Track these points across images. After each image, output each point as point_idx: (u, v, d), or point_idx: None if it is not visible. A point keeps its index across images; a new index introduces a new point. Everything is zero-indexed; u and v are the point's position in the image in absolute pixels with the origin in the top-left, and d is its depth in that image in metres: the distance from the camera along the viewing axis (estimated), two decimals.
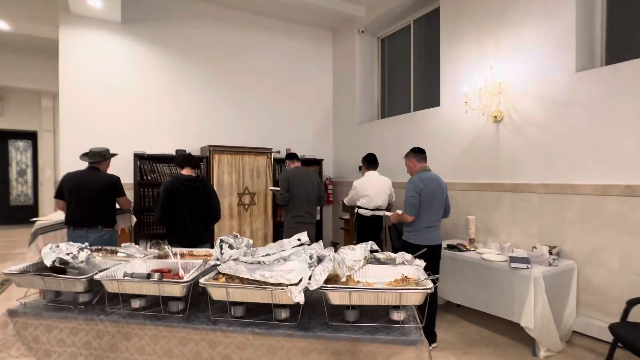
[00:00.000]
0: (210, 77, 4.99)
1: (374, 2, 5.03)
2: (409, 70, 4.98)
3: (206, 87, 4.96)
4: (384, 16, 5.00)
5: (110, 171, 3.18)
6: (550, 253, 2.77)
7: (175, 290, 1.58)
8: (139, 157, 4.25)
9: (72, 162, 3.83)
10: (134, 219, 3.64)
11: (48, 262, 1.81)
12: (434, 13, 4.47)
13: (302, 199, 3.79)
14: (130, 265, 1.86)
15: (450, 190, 3.79)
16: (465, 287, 3.06)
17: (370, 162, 3.99)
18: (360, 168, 5.19)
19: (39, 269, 1.88)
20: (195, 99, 4.89)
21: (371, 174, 3.96)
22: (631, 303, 2.18)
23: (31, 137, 7.08)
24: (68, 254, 1.85)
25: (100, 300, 1.76)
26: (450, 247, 3.29)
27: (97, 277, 1.64)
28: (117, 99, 4.40)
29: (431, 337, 2.82)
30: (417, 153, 2.86)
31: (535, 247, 2.88)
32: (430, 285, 1.48)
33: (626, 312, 2.17)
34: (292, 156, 4.11)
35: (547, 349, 2.58)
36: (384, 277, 1.72)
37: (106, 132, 4.29)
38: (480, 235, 3.57)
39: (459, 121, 3.78)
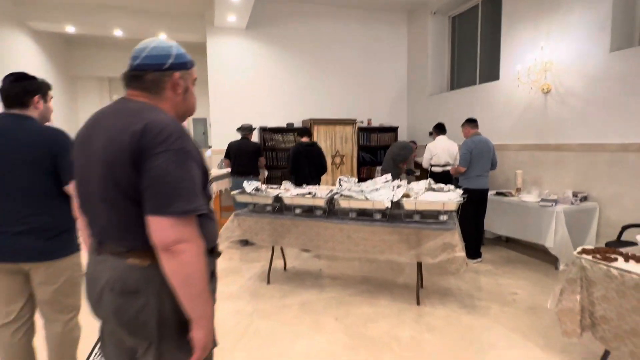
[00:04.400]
0: (308, 64, 6.33)
1: None
2: (476, 46, 5.68)
3: (306, 72, 6.33)
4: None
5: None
6: (576, 196, 3.64)
7: (321, 202, 3.02)
8: (263, 130, 5.89)
9: (221, 134, 5.60)
10: (266, 173, 5.30)
11: (249, 190, 3.40)
12: None
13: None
14: (290, 192, 3.36)
15: (506, 151, 4.71)
16: (508, 222, 4.08)
17: (439, 129, 5.02)
18: (430, 133, 6.18)
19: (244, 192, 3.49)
20: (298, 82, 6.31)
21: (440, 138, 5.00)
22: (624, 227, 3.06)
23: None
24: (257, 186, 3.42)
25: (278, 209, 3.30)
26: (499, 193, 4.28)
27: (281, 194, 3.15)
28: (245, 86, 6.02)
29: (477, 254, 3.96)
30: (470, 122, 3.89)
31: (565, 193, 3.75)
32: (459, 198, 2.67)
33: (620, 234, 3.06)
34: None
35: (565, 264, 3.56)
36: (437, 198, 2.92)
37: (240, 111, 5.96)
38: (528, 186, 4.44)
39: (514, 93, 4.56)
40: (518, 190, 4.32)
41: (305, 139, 4.39)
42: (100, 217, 0.99)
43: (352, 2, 6.25)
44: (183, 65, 1.07)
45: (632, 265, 1.80)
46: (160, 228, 0.88)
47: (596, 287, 1.89)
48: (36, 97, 1.73)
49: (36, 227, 1.66)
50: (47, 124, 1.79)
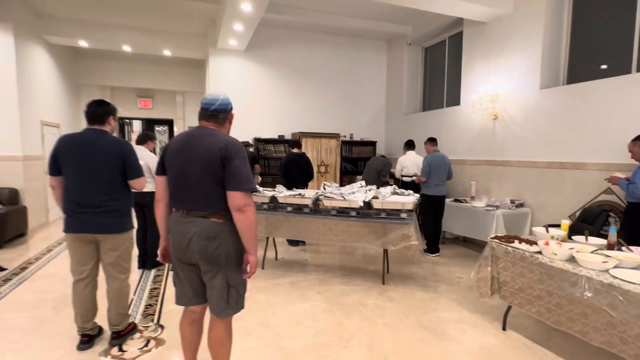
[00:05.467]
0: (299, 83, 7.14)
1: (418, 23, 6.69)
2: (443, 75, 6.62)
3: (296, 91, 7.13)
4: (426, 34, 6.64)
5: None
6: (513, 203, 4.52)
7: (308, 201, 3.77)
8: (257, 140, 6.62)
9: None
10: (260, 179, 6.01)
11: None
12: (461, 34, 6.04)
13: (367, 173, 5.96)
14: (283, 193, 4.10)
15: (463, 165, 5.59)
16: (463, 224, 4.92)
17: (409, 145, 5.86)
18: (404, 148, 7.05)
19: None
20: (289, 99, 7.10)
21: (410, 153, 5.84)
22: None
23: (168, 123, 10.01)
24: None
25: (273, 207, 4.02)
26: (456, 200, 5.14)
27: (275, 195, 3.89)
28: (242, 101, 6.76)
29: (436, 250, 4.78)
30: (431, 140, 4.75)
31: (505, 200, 4.63)
32: (416, 200, 3.49)
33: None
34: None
35: None
36: (399, 200, 3.73)
37: (237, 124, 6.61)
38: (480, 195, 5.33)
39: (471, 117, 5.47)
40: (472, 198, 5.19)
41: (295, 150, 5.14)
42: (193, 194, 1.71)
43: (339, 30, 7.13)
44: (232, 109, 1.87)
45: (522, 246, 2.63)
46: (237, 198, 1.63)
47: (500, 260, 2.70)
48: (111, 117, 2.45)
49: (110, 209, 2.36)
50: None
